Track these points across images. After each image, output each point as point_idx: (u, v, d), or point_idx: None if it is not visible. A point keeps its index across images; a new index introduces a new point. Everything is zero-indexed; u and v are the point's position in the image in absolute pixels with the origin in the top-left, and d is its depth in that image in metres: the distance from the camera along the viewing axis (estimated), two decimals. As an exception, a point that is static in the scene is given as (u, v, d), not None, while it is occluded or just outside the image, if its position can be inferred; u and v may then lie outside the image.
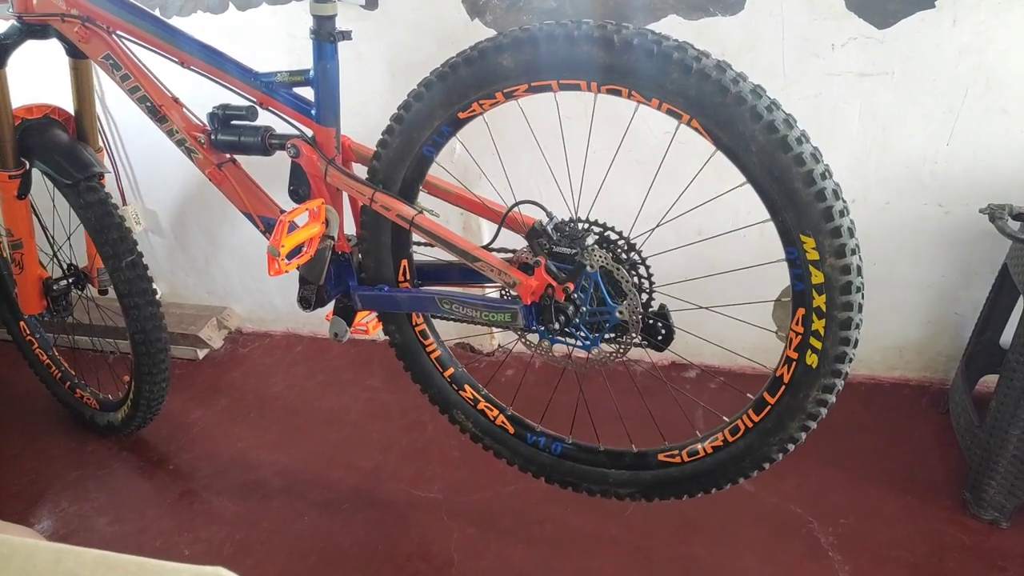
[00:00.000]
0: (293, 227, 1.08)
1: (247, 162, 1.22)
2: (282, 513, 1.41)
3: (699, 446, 1.06)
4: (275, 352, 1.99)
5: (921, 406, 1.51)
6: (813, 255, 0.84)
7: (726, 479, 1.04)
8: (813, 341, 0.89)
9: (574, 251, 1.00)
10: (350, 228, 1.18)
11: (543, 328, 1.06)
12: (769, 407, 0.96)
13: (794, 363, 0.92)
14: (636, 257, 1.01)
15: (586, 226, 1.03)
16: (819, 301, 0.86)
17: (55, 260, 1.59)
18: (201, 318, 2.04)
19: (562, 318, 1.02)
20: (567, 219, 1.04)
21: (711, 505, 1.25)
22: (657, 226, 1.04)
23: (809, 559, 1.20)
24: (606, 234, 1.01)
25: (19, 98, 1.33)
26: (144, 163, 1.91)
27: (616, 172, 1.21)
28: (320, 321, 1.70)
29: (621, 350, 1.06)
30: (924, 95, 1.27)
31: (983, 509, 1.23)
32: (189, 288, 2.14)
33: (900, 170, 1.35)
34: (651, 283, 1.01)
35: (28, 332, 1.72)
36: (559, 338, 1.07)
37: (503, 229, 1.06)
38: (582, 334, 1.04)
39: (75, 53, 1.28)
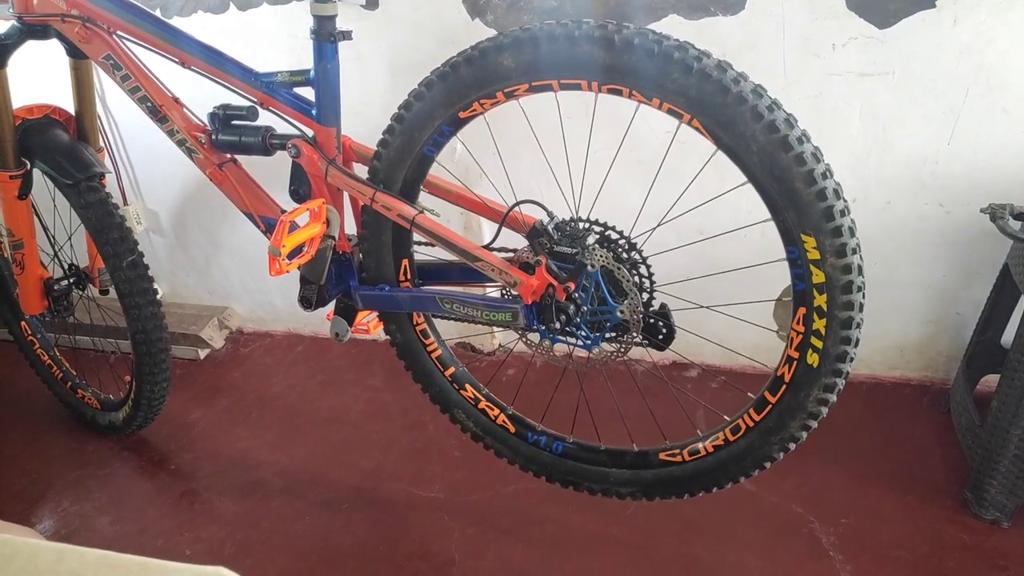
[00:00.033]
0: (294, 227, 1.08)
1: (248, 162, 1.22)
2: (283, 513, 1.41)
3: (700, 445, 1.06)
4: (276, 352, 1.99)
5: (922, 406, 1.51)
6: (814, 254, 0.84)
7: (727, 478, 1.04)
8: (814, 340, 0.89)
9: (575, 250, 1.00)
10: (351, 228, 1.18)
11: (544, 327, 1.06)
12: (770, 406, 0.96)
13: (795, 362, 0.92)
14: (637, 256, 1.01)
15: (587, 225, 1.02)
16: (820, 300, 0.86)
17: (56, 260, 1.59)
18: (202, 318, 2.05)
19: (563, 317, 1.02)
20: (568, 218, 1.04)
21: (712, 504, 1.26)
22: (658, 225, 1.04)
23: (810, 559, 1.20)
24: (607, 233, 1.01)
25: (20, 98, 1.33)
26: (145, 163, 1.91)
27: (617, 172, 1.21)
28: (321, 321, 1.70)
29: (622, 349, 1.06)
30: (925, 95, 1.27)
31: (984, 509, 1.23)
32: (190, 288, 2.14)
33: (901, 170, 1.35)
34: (652, 282, 1.01)
35: (29, 332, 1.73)
36: (560, 337, 1.07)
37: (504, 229, 1.06)
38: (583, 333, 1.04)
39: (76, 53, 1.28)
